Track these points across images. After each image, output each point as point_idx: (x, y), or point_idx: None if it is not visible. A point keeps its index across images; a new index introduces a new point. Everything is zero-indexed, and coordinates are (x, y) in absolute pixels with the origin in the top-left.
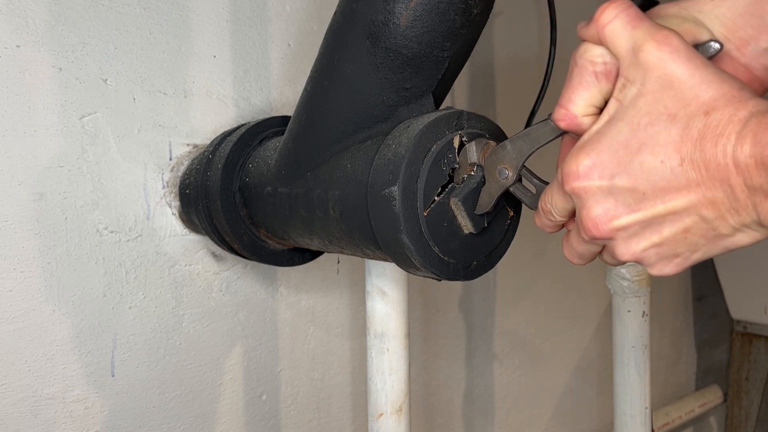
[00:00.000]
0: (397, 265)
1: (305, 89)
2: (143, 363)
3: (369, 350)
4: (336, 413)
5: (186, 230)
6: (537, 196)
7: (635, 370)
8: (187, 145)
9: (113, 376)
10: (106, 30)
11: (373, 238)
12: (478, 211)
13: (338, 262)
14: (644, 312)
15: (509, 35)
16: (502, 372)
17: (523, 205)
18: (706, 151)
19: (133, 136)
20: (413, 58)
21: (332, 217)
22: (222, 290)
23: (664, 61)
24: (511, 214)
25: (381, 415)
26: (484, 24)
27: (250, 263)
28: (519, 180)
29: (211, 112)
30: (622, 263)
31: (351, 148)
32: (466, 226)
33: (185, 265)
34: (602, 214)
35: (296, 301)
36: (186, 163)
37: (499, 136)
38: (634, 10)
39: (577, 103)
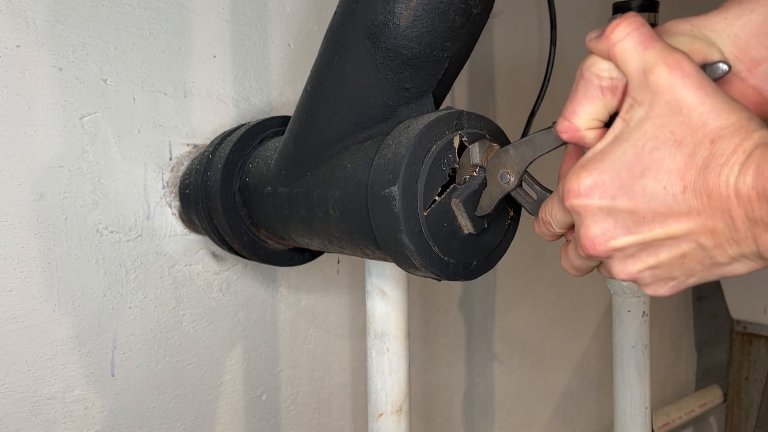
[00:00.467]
0: (397, 265)
1: (305, 89)
2: (143, 363)
3: (369, 350)
4: (336, 413)
5: (186, 230)
6: (538, 203)
7: (635, 370)
8: (187, 145)
9: (113, 376)
10: (106, 30)
11: (373, 238)
12: (479, 212)
13: (338, 262)
14: (644, 312)
15: (509, 35)
16: (502, 372)
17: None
18: (709, 180)
19: (133, 136)
20: (413, 58)
21: (332, 217)
22: (222, 290)
23: (675, 86)
24: (511, 214)
25: (381, 415)
26: (484, 24)
27: (250, 263)
28: (520, 185)
29: (211, 112)
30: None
31: (351, 148)
32: (466, 226)
33: (185, 265)
34: (600, 234)
35: (296, 301)
36: (186, 163)
37: (500, 136)
38: (647, 30)
39: (580, 116)
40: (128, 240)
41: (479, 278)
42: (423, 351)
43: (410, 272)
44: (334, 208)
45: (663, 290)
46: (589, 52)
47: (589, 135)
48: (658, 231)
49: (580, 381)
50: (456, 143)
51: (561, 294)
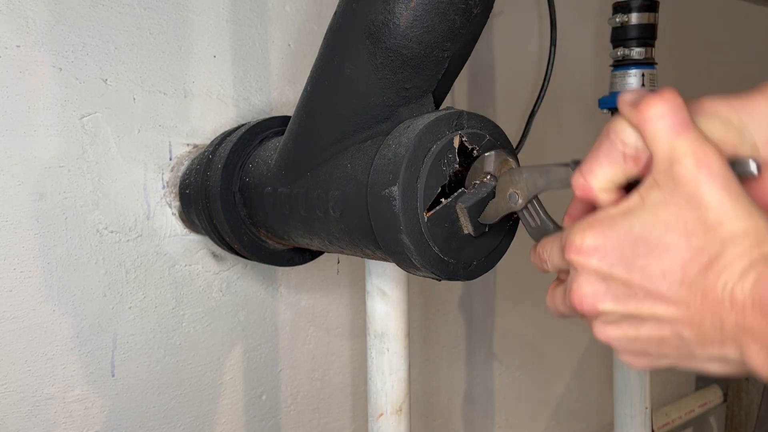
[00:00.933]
0: (397, 265)
1: (305, 89)
2: (143, 363)
3: (369, 350)
4: (336, 413)
5: (186, 230)
6: (540, 230)
7: (635, 370)
8: (187, 145)
9: (113, 376)
10: (106, 30)
11: (373, 238)
12: (482, 221)
13: (338, 262)
14: None
15: (509, 35)
16: (502, 372)
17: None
18: (708, 280)
19: (133, 136)
20: (413, 58)
21: (332, 217)
22: (222, 290)
23: (699, 182)
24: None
25: (381, 415)
26: (484, 24)
27: (250, 263)
28: (527, 207)
29: (211, 112)
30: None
31: (351, 148)
32: (467, 227)
33: (185, 265)
34: (590, 293)
35: (296, 301)
36: (186, 163)
37: (500, 136)
38: (683, 115)
39: (597, 177)
40: (128, 240)
41: (479, 278)
42: (423, 351)
43: (410, 272)
44: (334, 208)
45: (635, 363)
46: (621, 114)
47: (603, 196)
48: (645, 308)
49: (580, 381)
50: (456, 143)
51: None
